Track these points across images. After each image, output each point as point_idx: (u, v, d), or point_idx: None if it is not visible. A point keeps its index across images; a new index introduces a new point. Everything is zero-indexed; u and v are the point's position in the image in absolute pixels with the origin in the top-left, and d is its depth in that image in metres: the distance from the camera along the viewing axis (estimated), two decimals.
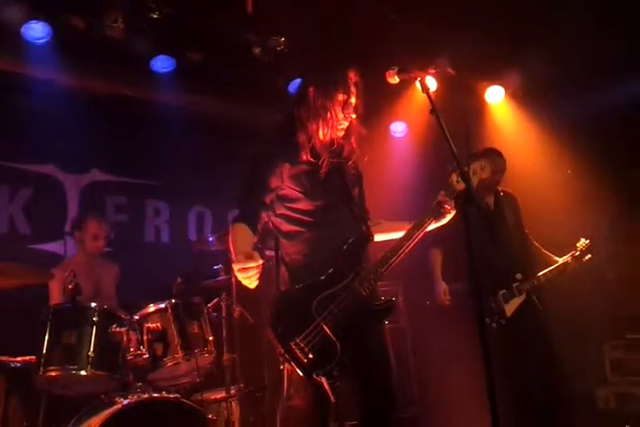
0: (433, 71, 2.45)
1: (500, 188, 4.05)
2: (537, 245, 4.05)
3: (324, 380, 2.15)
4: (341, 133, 2.52)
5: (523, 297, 3.73)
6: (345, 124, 2.49)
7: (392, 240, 2.48)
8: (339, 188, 2.51)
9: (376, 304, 2.37)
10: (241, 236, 2.35)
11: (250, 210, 2.42)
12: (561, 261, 3.87)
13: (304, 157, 2.44)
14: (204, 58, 4.66)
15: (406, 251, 2.39)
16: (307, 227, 2.43)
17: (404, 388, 4.37)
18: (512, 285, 3.74)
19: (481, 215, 3.75)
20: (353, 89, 2.48)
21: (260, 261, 2.18)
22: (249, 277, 2.16)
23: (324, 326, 2.21)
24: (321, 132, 2.45)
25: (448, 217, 2.48)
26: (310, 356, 2.17)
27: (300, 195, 2.44)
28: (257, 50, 4.80)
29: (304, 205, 2.44)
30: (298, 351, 2.17)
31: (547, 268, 3.84)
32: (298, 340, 2.18)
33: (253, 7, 4.45)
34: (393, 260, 2.37)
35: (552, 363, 3.70)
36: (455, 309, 4.69)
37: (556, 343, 3.77)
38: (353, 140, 2.55)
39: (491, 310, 3.67)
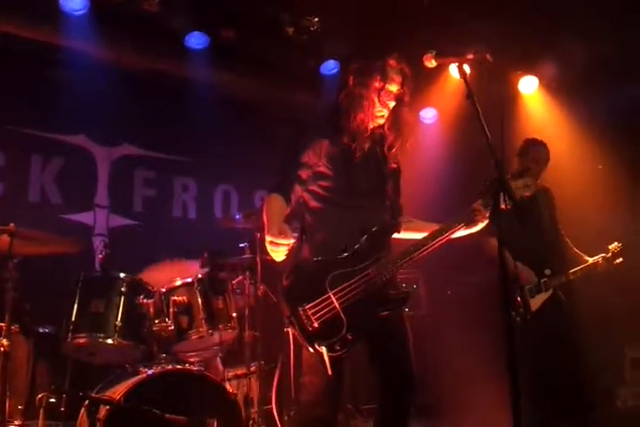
0: (471, 57, 2.39)
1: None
2: (568, 242, 4.00)
3: (324, 351, 2.18)
4: (382, 121, 2.51)
5: (549, 293, 3.70)
6: (384, 112, 2.49)
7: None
8: (374, 175, 2.51)
9: (391, 293, 2.37)
10: (275, 207, 2.38)
11: (285, 182, 2.44)
12: (591, 260, 3.82)
13: (344, 140, 2.46)
14: (238, 36, 4.66)
15: (429, 249, 2.40)
16: (332, 206, 2.45)
17: (419, 375, 4.39)
18: (540, 280, 3.70)
19: (515, 206, 3.71)
20: (394, 77, 2.46)
21: (292, 241, 2.23)
22: (278, 251, 2.23)
23: (335, 301, 2.24)
24: (358, 119, 2.46)
25: (480, 226, 2.48)
26: (315, 325, 2.21)
27: (332, 174, 2.45)
28: (290, 29, 4.78)
29: (334, 184, 2.45)
30: (304, 317, 2.21)
31: (575, 266, 3.79)
32: (307, 307, 2.21)
33: None
34: (414, 255, 2.38)
35: (575, 361, 3.67)
36: (476, 300, 4.70)
37: (580, 341, 3.74)
38: (397, 128, 2.53)
39: (516, 303, 3.63)
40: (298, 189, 2.46)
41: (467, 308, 4.70)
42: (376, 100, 2.45)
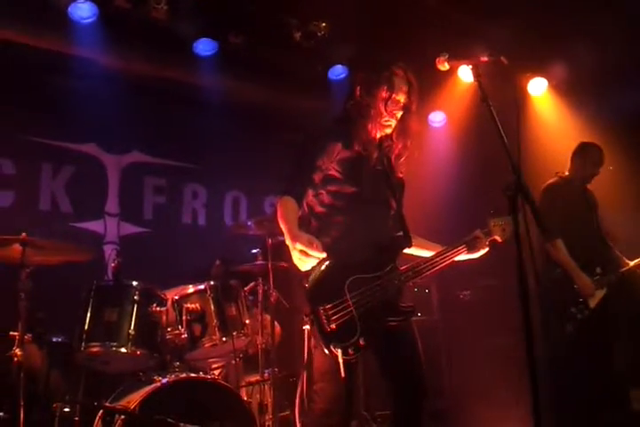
0: (485, 59, 2.37)
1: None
2: (611, 244, 4.03)
3: (339, 353, 2.18)
4: (389, 130, 2.52)
5: (604, 291, 3.73)
6: (392, 122, 2.49)
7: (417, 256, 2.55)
8: (380, 184, 2.51)
9: (401, 304, 2.38)
10: (292, 211, 2.35)
11: (298, 185, 2.43)
12: (633, 263, 3.86)
13: (356, 147, 2.47)
14: (246, 42, 4.66)
15: (437, 269, 2.46)
16: (338, 212, 2.44)
17: (433, 380, 4.36)
18: (592, 278, 3.74)
19: (575, 205, 3.81)
20: (401, 86, 2.47)
21: (323, 254, 2.19)
22: (306, 261, 2.18)
23: (351, 305, 2.24)
24: (366, 128, 2.48)
25: (480, 253, 2.59)
26: (333, 326, 2.20)
27: (341, 178, 2.44)
28: (297, 35, 4.78)
29: (342, 189, 2.44)
30: (324, 317, 2.20)
31: (619, 266, 3.86)
32: (327, 306, 2.21)
33: None
34: (425, 273, 2.44)
35: (611, 360, 3.73)
36: (490, 303, 4.66)
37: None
38: (405, 138, 2.54)
39: (574, 299, 3.68)
40: (310, 192, 2.46)
41: (481, 312, 4.66)
42: (383, 109, 2.46)
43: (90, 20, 4.21)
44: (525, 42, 4.70)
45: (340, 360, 2.17)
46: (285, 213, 2.32)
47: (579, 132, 5.16)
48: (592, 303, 3.68)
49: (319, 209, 2.47)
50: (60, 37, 4.29)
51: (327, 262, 2.25)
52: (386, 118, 2.47)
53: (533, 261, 2.31)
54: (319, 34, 4.78)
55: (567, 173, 4.01)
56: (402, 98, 2.47)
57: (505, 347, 4.32)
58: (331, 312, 2.20)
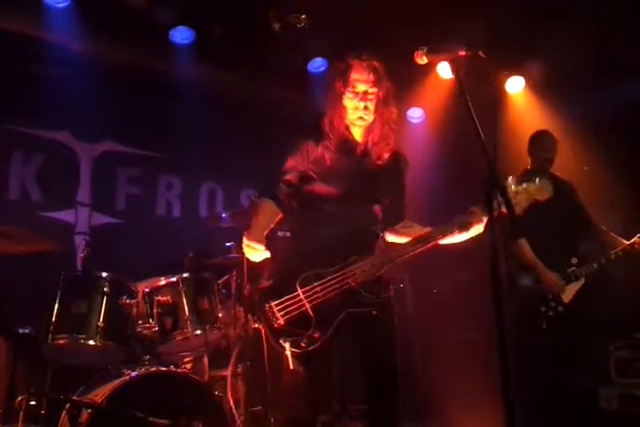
0: (463, 53, 2.36)
1: (557, 174, 3.97)
2: (603, 228, 3.90)
3: (287, 346, 2.24)
4: (362, 123, 2.49)
5: (581, 282, 3.62)
6: (360, 114, 2.46)
7: None
8: (358, 179, 2.48)
9: (366, 295, 2.35)
10: (266, 212, 2.53)
11: (275, 187, 2.51)
12: (627, 243, 3.68)
13: (326, 144, 2.47)
14: (224, 31, 4.59)
15: (412, 253, 2.40)
16: (311, 209, 2.47)
17: (406, 375, 4.37)
18: (567, 269, 3.64)
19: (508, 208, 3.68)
20: (358, 77, 2.44)
21: (266, 254, 2.44)
22: (253, 254, 2.45)
23: (304, 300, 2.28)
24: (333, 124, 2.48)
25: (473, 232, 2.40)
26: (280, 321, 2.28)
27: (315, 177, 2.46)
28: (277, 26, 4.72)
29: (316, 188, 2.45)
30: (269, 314, 2.30)
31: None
32: (273, 303, 2.30)
33: None
34: (397, 260, 2.39)
35: (581, 357, 3.65)
36: (463, 299, 4.68)
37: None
38: (376, 129, 2.50)
39: (544, 297, 3.59)
40: (287, 192, 2.50)
41: (455, 306, 4.68)
42: (346, 102, 2.45)
43: (63, 5, 4.11)
44: (502, 40, 4.71)
45: (288, 353, 2.23)
46: (258, 215, 2.55)
47: (554, 130, 5.22)
48: (566, 298, 3.59)
49: (296, 207, 2.51)
50: (32, 22, 4.18)
51: (282, 264, 2.37)
52: (351, 111, 2.45)
53: (507, 256, 2.30)
54: (299, 26, 4.73)
55: (529, 167, 3.96)
56: (363, 88, 2.43)
57: (478, 342, 4.35)
58: (277, 308, 2.29)
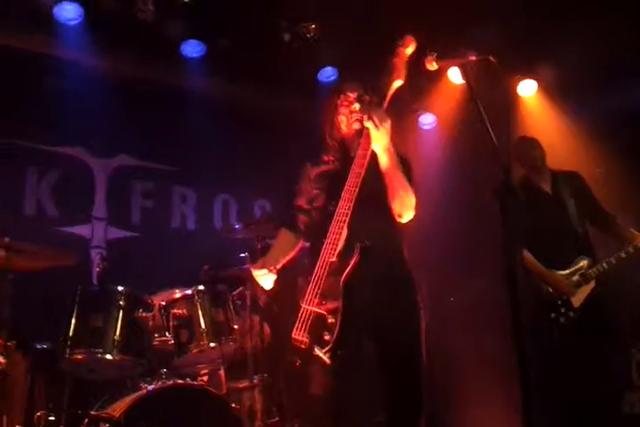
0: (474, 59, 2.35)
1: (558, 169, 3.82)
2: (619, 224, 3.65)
3: (319, 352, 2.21)
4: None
5: (591, 285, 3.42)
6: (356, 126, 2.46)
7: None
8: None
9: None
10: (280, 242, 2.66)
11: (289, 214, 2.61)
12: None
13: (323, 158, 2.51)
14: (234, 43, 4.63)
15: None
16: (314, 230, 2.47)
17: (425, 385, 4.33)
18: (576, 271, 3.45)
19: (537, 201, 3.58)
20: (359, 89, 2.48)
21: (271, 276, 2.52)
22: (263, 282, 2.54)
23: (309, 308, 2.27)
24: (330, 133, 2.51)
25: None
26: (305, 339, 2.25)
27: (319, 193, 2.49)
28: (287, 36, 4.75)
29: (318, 205, 2.49)
30: (297, 342, 2.28)
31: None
32: (293, 334, 2.29)
33: None
34: None
35: (611, 362, 3.45)
36: (480, 306, 4.63)
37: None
38: (362, 138, 2.43)
39: (553, 303, 3.42)
40: (301, 217, 2.57)
41: (473, 314, 4.62)
42: (342, 113, 2.48)
43: (75, 22, 4.18)
44: (515, 43, 4.69)
45: (320, 354, 2.21)
46: (273, 245, 2.68)
47: (568, 133, 5.18)
48: (576, 302, 3.40)
49: (305, 222, 2.55)
50: (45, 39, 4.26)
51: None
52: (346, 122, 2.46)
53: (522, 262, 2.27)
54: (309, 35, 4.75)
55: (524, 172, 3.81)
56: (353, 95, 2.47)
57: (496, 351, 4.29)
58: (298, 335, 2.30)
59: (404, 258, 2.50)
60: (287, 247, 2.61)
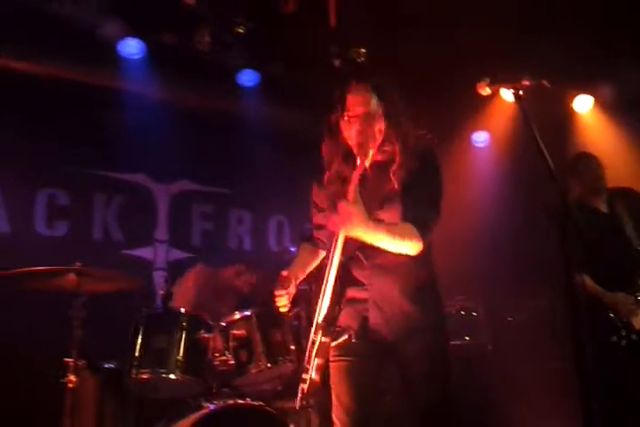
0: (527, 83, 2.34)
1: (613, 186, 3.72)
2: None
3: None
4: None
5: None
6: (353, 142, 2.31)
7: None
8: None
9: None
10: (300, 256, 2.63)
11: (309, 231, 2.62)
12: None
13: (326, 181, 2.50)
14: (286, 70, 4.78)
15: None
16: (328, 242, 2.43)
17: (484, 404, 4.25)
18: (636, 293, 3.39)
19: (593, 222, 3.50)
20: (351, 101, 2.32)
21: (283, 292, 2.43)
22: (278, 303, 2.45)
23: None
24: (326, 163, 2.51)
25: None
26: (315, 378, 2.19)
27: (327, 211, 2.46)
28: (337, 62, 4.85)
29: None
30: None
31: None
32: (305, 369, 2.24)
33: (336, 21, 4.52)
34: None
35: None
36: (540, 326, 4.54)
37: None
38: (391, 144, 2.33)
39: (614, 325, 3.34)
40: (319, 233, 2.55)
41: (533, 334, 4.53)
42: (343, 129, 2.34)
43: (138, 56, 4.42)
44: (573, 61, 4.63)
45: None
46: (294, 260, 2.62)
47: (625, 149, 5.04)
48: (638, 325, 3.31)
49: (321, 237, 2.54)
50: (109, 73, 4.50)
51: None
52: (345, 140, 2.33)
53: (582, 282, 2.23)
54: (358, 60, 4.84)
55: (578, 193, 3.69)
56: (357, 111, 2.28)
57: (557, 372, 4.18)
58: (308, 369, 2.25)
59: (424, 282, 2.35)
60: (305, 259, 2.60)
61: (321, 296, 2.23)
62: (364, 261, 2.30)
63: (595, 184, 3.67)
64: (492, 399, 4.31)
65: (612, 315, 3.39)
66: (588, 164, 3.72)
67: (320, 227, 2.52)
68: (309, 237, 2.61)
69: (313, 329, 2.24)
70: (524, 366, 4.38)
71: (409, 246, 2.20)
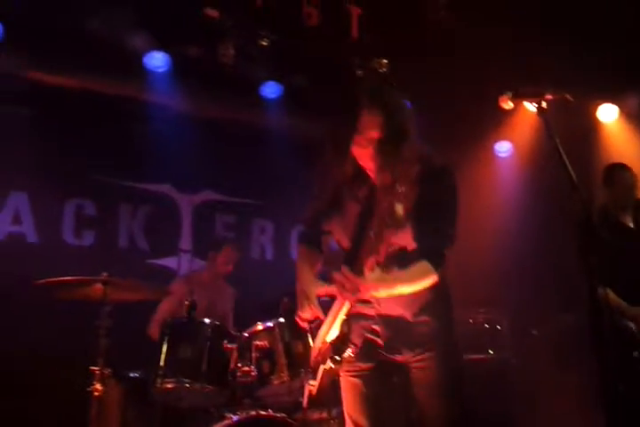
0: (550, 97, 2.31)
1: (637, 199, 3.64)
2: None
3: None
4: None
5: None
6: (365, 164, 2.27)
7: None
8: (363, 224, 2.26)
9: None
10: (303, 259, 2.55)
11: (313, 234, 2.53)
12: None
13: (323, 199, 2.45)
14: (309, 82, 4.82)
15: None
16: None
17: (509, 418, 4.21)
18: None
19: (617, 235, 3.45)
20: (364, 129, 2.24)
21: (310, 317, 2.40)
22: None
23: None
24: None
25: None
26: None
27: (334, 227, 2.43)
28: (360, 72, 4.88)
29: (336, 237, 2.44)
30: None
31: None
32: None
33: (358, 33, 4.55)
34: None
35: None
36: (564, 340, 4.48)
37: None
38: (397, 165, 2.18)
39: (637, 340, 3.31)
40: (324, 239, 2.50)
41: (558, 348, 4.48)
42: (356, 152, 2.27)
43: (163, 69, 4.50)
44: (596, 71, 4.60)
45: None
46: (298, 264, 2.58)
47: None
48: None
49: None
50: (136, 85, 4.59)
51: None
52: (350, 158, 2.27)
53: (605, 295, 2.20)
54: (381, 71, 4.86)
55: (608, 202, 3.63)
56: (371, 134, 2.19)
57: (581, 387, 4.13)
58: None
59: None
60: (312, 267, 2.53)
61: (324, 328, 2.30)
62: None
63: (625, 197, 3.62)
64: (515, 414, 4.27)
65: (634, 329, 3.36)
66: (622, 175, 3.65)
67: (325, 232, 2.48)
68: (309, 238, 2.54)
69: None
70: (547, 381, 4.33)
71: (425, 285, 2.15)
